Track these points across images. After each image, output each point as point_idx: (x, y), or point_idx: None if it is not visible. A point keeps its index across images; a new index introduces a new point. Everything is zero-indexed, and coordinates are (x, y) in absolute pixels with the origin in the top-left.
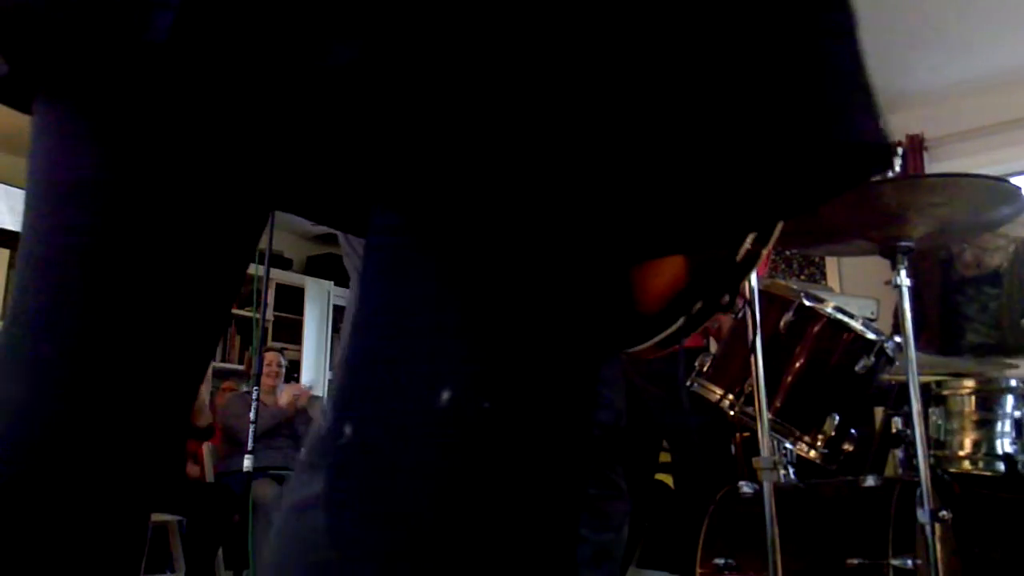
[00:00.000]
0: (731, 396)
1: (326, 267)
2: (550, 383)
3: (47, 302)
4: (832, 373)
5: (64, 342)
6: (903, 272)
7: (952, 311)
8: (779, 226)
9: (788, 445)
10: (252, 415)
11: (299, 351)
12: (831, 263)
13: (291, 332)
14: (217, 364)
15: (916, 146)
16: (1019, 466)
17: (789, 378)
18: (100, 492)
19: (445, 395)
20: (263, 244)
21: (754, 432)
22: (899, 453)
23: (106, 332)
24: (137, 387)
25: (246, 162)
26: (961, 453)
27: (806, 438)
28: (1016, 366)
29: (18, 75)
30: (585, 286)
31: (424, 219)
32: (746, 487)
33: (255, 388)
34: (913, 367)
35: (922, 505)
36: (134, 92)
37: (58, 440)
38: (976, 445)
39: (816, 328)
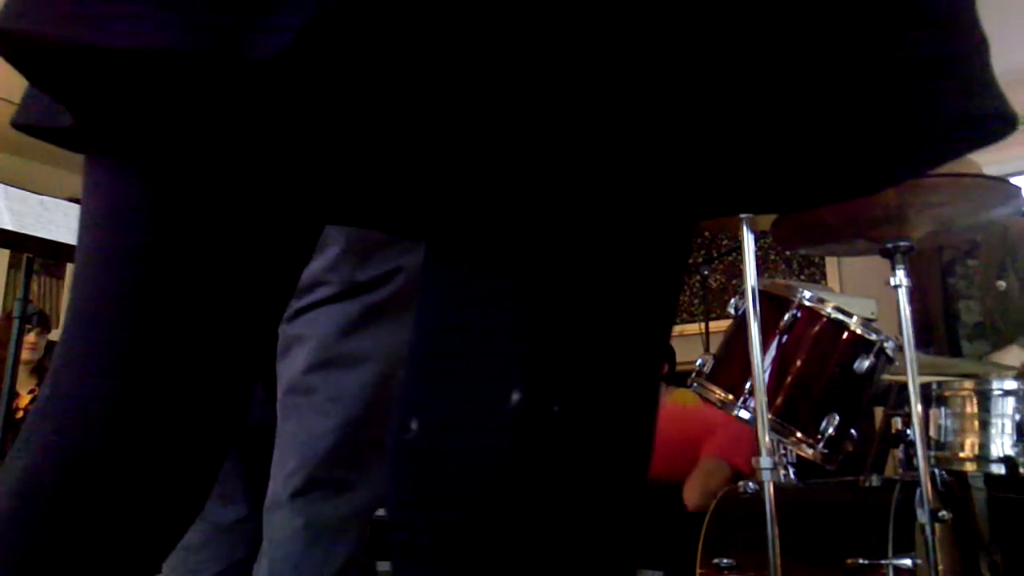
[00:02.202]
0: (731, 396)
1: None
2: (618, 388)
3: (100, 323)
4: (832, 373)
5: (118, 358)
6: (902, 272)
7: (949, 296)
8: None
9: (788, 445)
10: None
11: None
12: (831, 263)
13: None
14: None
15: None
16: (1020, 468)
17: (789, 378)
18: (143, 502)
19: (515, 396)
20: None
21: (754, 432)
22: (899, 453)
23: (158, 353)
24: (189, 398)
25: (294, 183)
26: (961, 454)
27: (806, 438)
28: (1014, 368)
29: (80, 128)
30: (649, 290)
31: (486, 222)
32: (746, 487)
33: None
34: (913, 367)
35: (922, 505)
36: (190, 137)
37: (106, 448)
38: (976, 446)
39: (816, 328)
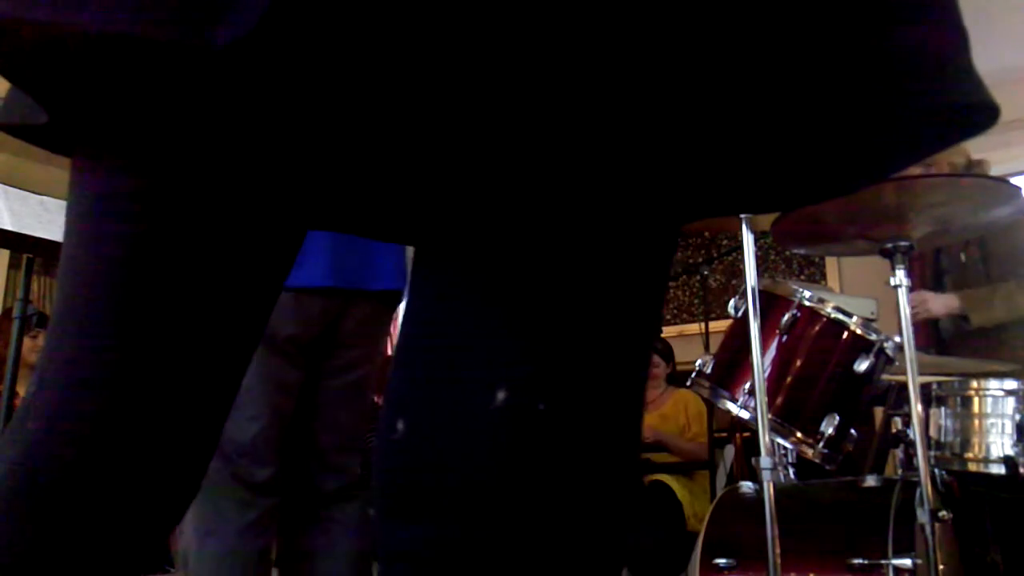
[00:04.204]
0: (731, 396)
1: None
2: (604, 386)
3: (83, 325)
4: (832, 373)
5: (101, 362)
6: (901, 272)
7: (938, 276)
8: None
9: (788, 445)
10: None
11: None
12: (831, 263)
13: None
14: None
15: None
16: (1020, 468)
17: (789, 378)
18: (129, 502)
19: (500, 396)
20: None
21: (754, 432)
22: (899, 453)
23: (142, 352)
24: (174, 402)
25: (282, 181)
26: (961, 454)
27: (806, 438)
28: (1012, 372)
29: (57, 124)
30: (634, 289)
31: (472, 225)
32: (746, 487)
33: None
34: (913, 367)
35: (922, 505)
36: (174, 127)
37: (92, 447)
38: (976, 446)
39: (816, 328)
